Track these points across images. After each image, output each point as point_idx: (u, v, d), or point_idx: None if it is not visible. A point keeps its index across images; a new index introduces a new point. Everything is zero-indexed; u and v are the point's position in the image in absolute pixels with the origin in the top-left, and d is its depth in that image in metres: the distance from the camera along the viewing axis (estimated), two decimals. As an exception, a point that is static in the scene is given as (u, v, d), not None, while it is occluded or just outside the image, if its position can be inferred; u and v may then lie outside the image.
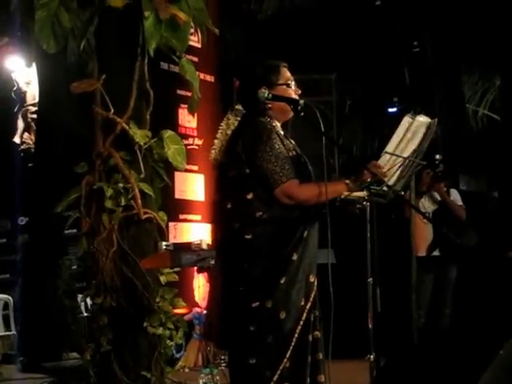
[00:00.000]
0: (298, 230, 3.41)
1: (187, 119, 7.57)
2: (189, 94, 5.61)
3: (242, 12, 10.66)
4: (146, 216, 5.08)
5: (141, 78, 5.15)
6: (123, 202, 5.00)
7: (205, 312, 4.61)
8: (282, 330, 3.37)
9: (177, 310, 5.32)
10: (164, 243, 4.92)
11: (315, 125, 3.45)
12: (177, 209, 7.37)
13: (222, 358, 5.94)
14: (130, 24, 5.04)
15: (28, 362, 7.25)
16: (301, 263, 3.40)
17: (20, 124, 8.27)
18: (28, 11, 5.02)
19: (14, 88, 8.27)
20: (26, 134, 8.25)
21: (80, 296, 5.61)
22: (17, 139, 8.27)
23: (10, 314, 7.90)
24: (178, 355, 6.75)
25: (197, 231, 7.43)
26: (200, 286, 6.42)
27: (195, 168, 7.55)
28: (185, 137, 7.20)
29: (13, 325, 7.87)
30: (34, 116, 8.12)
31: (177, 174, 7.08)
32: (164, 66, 7.11)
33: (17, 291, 7.82)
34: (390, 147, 3.55)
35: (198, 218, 7.60)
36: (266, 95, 3.47)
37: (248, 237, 3.37)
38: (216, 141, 3.76)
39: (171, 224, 7.01)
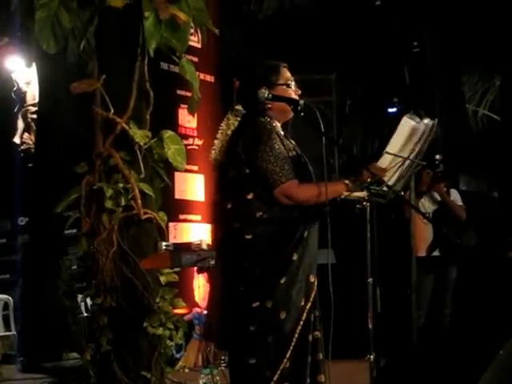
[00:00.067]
0: (298, 230, 3.41)
1: (187, 119, 7.56)
2: (189, 94, 5.60)
3: (241, 12, 10.65)
4: (146, 216, 5.08)
5: (141, 78, 5.14)
6: (123, 202, 4.99)
7: (205, 312, 4.62)
8: (282, 330, 3.37)
9: (177, 310, 5.32)
10: (164, 243, 4.92)
11: (315, 125, 3.45)
12: (177, 209, 7.37)
13: (222, 358, 5.94)
14: (130, 24, 5.04)
15: (28, 362, 7.24)
16: (301, 263, 3.40)
17: (20, 124, 8.26)
18: (28, 11, 5.01)
19: (14, 88, 8.27)
20: (25, 134, 8.25)
21: (80, 296, 5.60)
22: (17, 139, 8.26)
23: (10, 314, 7.90)
24: (177, 355, 6.75)
25: (197, 231, 7.43)
26: (200, 286, 6.42)
27: (195, 168, 7.56)
28: (185, 137, 7.19)
29: (13, 325, 7.87)
30: (34, 116, 8.12)
31: (177, 174, 7.07)
32: (164, 66, 7.11)
33: (17, 291, 7.81)
34: (390, 147, 3.55)
35: (198, 218, 7.60)
36: (266, 95, 3.46)
37: (248, 237, 3.37)
38: (216, 141, 3.78)
39: (171, 224, 7.01)
